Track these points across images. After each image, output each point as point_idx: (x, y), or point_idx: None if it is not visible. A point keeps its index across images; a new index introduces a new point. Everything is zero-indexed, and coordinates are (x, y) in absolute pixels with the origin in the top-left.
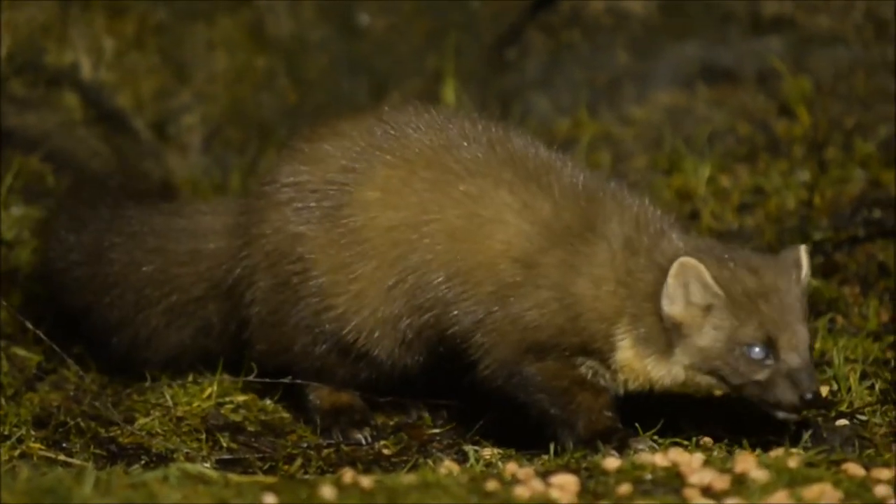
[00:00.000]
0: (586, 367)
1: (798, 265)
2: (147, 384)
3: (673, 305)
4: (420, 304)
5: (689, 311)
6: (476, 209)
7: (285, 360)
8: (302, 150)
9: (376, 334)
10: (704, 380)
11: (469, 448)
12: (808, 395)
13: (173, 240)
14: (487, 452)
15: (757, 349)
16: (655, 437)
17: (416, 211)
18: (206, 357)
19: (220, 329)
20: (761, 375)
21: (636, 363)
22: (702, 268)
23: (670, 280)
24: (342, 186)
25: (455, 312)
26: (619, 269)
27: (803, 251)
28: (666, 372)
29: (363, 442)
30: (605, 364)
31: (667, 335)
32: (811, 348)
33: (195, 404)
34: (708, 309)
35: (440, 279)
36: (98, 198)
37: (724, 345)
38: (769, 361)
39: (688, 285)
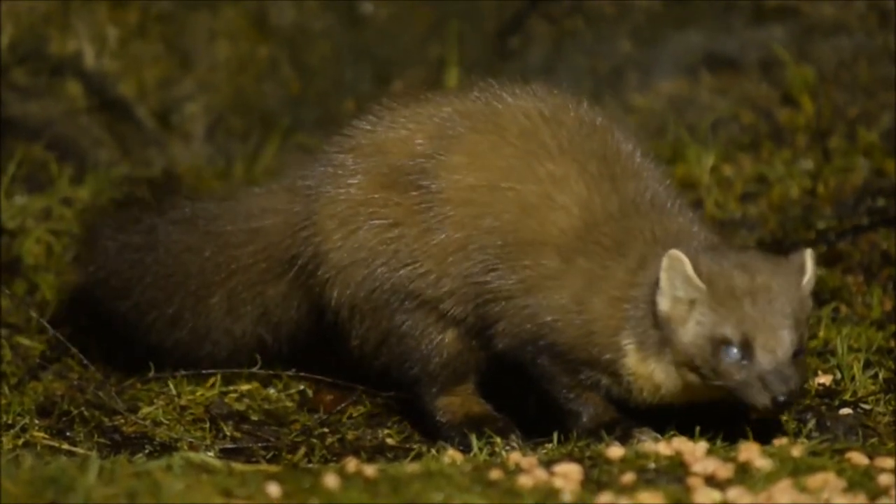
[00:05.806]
0: (585, 375)
1: (802, 270)
2: (151, 374)
3: (663, 300)
4: (476, 264)
5: (676, 306)
6: (553, 191)
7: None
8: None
9: (456, 295)
10: (694, 379)
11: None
12: (781, 398)
13: (230, 221)
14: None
15: (734, 350)
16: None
17: (499, 176)
18: (262, 352)
19: (279, 317)
20: (738, 377)
21: (642, 368)
22: (685, 260)
23: (662, 274)
24: (430, 155)
25: (495, 278)
26: (630, 284)
27: (809, 255)
28: (665, 375)
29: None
30: (616, 376)
31: (660, 334)
32: (800, 351)
33: (199, 393)
34: (692, 304)
35: (498, 244)
36: (137, 202)
37: (704, 341)
38: (745, 362)
39: (674, 279)
